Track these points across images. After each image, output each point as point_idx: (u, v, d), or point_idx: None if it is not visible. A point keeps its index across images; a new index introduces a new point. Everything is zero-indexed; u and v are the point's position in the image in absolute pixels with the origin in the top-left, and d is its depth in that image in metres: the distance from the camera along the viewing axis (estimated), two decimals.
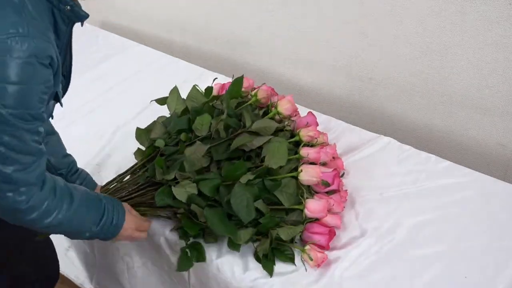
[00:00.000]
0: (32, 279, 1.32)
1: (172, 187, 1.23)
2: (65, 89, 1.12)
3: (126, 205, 1.21)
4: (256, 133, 1.33)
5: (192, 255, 1.25)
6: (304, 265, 1.22)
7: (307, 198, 1.26)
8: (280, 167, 1.26)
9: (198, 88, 1.46)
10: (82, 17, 1.01)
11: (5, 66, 0.84)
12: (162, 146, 1.31)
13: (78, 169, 1.32)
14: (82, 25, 1.04)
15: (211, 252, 1.27)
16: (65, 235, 1.15)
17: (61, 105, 1.06)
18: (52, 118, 1.11)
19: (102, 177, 1.45)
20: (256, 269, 1.23)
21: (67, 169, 1.29)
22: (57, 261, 1.42)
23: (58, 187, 1.01)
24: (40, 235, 1.27)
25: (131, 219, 1.18)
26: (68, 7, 0.96)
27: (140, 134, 1.40)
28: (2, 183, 0.92)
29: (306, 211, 1.24)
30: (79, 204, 1.05)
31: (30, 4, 0.89)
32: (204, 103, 1.41)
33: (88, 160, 1.55)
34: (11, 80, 0.85)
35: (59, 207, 1.01)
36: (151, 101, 1.49)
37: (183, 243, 1.29)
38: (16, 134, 0.89)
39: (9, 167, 0.91)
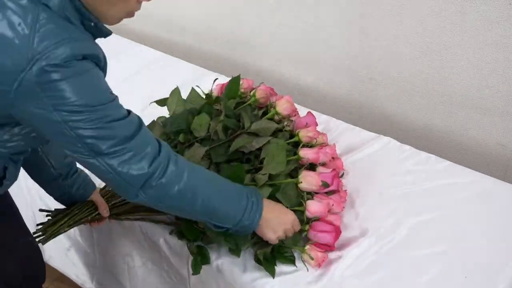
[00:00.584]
0: (19, 280, 1.32)
1: None
2: None
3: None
4: (255, 134, 1.33)
5: (197, 260, 1.25)
6: (305, 265, 1.22)
7: (307, 199, 1.26)
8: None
9: (197, 90, 1.46)
10: (105, 34, 1.05)
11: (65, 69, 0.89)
12: None
13: (77, 169, 1.32)
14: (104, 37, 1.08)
15: (211, 252, 1.27)
16: (208, 220, 1.09)
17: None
18: None
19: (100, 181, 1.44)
20: (256, 269, 1.23)
21: (67, 169, 1.29)
22: (43, 261, 1.42)
23: (179, 157, 1.03)
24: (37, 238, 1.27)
25: (285, 217, 1.16)
26: (93, 24, 0.98)
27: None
28: (117, 158, 0.95)
29: (307, 212, 1.24)
30: (213, 175, 1.06)
31: (68, 13, 0.93)
32: (203, 104, 1.41)
33: None
34: (75, 78, 0.90)
35: (187, 170, 1.01)
36: (151, 102, 1.49)
37: (182, 243, 1.29)
38: (107, 113, 0.95)
39: (118, 140, 0.95)
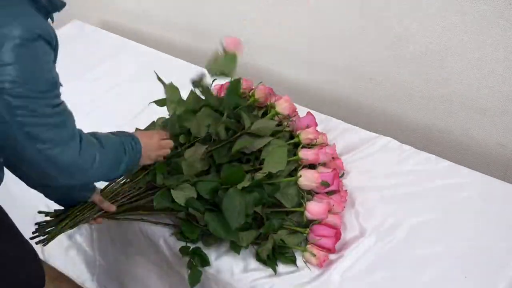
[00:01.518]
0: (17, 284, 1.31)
1: (171, 190, 1.23)
2: None
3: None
4: (255, 135, 1.33)
5: (196, 263, 1.25)
6: (306, 265, 1.22)
7: (307, 200, 1.26)
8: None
9: (196, 91, 1.46)
10: (59, 6, 1.04)
11: (7, 47, 0.88)
12: None
13: None
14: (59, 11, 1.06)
15: (210, 253, 1.27)
16: (105, 177, 1.19)
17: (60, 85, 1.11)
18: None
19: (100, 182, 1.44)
20: (255, 269, 1.23)
21: None
22: (42, 269, 1.41)
23: (86, 135, 1.08)
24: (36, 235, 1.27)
25: (148, 141, 1.22)
26: None
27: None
28: (51, 149, 0.98)
29: (306, 213, 1.24)
30: (106, 142, 1.11)
31: None
32: (202, 105, 1.40)
33: None
34: (19, 60, 0.89)
35: (96, 149, 1.07)
36: (150, 103, 1.49)
37: (182, 244, 1.29)
38: (41, 102, 0.94)
39: (50, 131, 0.97)
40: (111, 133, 1.19)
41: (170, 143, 1.28)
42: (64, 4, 1.05)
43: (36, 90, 0.93)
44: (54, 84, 0.98)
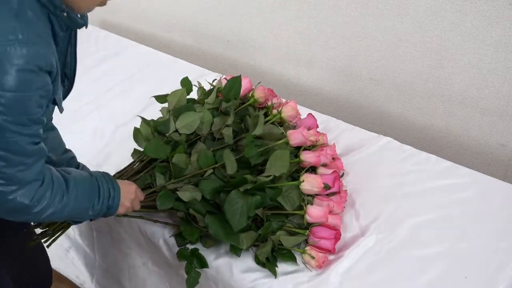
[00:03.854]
0: (27, 283, 1.32)
1: (178, 191, 1.23)
2: (68, 92, 1.13)
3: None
4: (259, 138, 1.33)
5: (195, 264, 1.25)
6: (306, 266, 1.22)
7: (308, 203, 1.26)
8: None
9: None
10: (79, 24, 1.01)
11: (3, 74, 0.84)
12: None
13: (78, 164, 1.32)
14: (83, 28, 1.04)
15: (209, 253, 1.27)
16: (70, 220, 1.17)
17: (60, 111, 1.07)
18: (51, 120, 1.11)
19: None
20: (255, 270, 1.23)
21: (67, 164, 1.28)
22: (50, 265, 1.42)
23: (54, 176, 1.02)
24: (30, 242, 1.27)
25: (128, 188, 1.19)
26: (65, 14, 0.95)
27: (137, 134, 1.39)
28: (7, 186, 0.93)
29: (307, 216, 1.24)
30: (75, 186, 1.05)
31: (29, 9, 0.89)
32: (200, 101, 1.40)
33: (88, 160, 1.55)
34: (9, 88, 0.85)
35: (58, 194, 1.02)
36: (151, 97, 1.49)
37: (182, 244, 1.29)
38: (14, 139, 0.90)
39: (12, 168, 0.92)
40: (90, 174, 1.13)
41: (143, 195, 1.25)
42: (84, 24, 1.02)
43: (16, 123, 0.89)
44: (37, 121, 0.93)
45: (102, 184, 1.12)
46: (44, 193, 0.99)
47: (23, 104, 0.88)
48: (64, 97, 1.09)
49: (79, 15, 0.99)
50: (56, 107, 1.07)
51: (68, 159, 1.29)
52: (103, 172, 1.18)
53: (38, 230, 1.30)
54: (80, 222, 1.19)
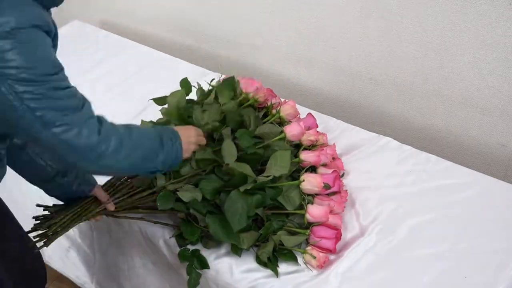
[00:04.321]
0: (19, 283, 1.31)
1: (178, 192, 1.23)
2: None
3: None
4: (258, 137, 1.33)
5: (196, 265, 1.25)
6: (307, 266, 1.22)
7: (308, 203, 1.26)
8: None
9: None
10: (56, 2, 1.02)
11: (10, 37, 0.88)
12: None
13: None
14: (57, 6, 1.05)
15: (210, 253, 1.27)
16: (144, 170, 1.12)
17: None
18: None
19: (101, 178, 1.44)
20: (256, 270, 1.23)
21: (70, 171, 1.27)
22: (44, 267, 1.42)
23: (113, 124, 1.05)
24: (33, 245, 1.26)
25: (187, 132, 1.20)
26: None
27: None
28: (66, 132, 0.95)
29: (308, 216, 1.24)
30: (136, 127, 1.08)
31: None
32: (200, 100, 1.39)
33: None
34: (21, 44, 0.89)
35: (123, 131, 1.04)
36: (150, 99, 1.49)
37: (182, 244, 1.29)
38: (53, 85, 0.93)
39: (65, 112, 0.94)
40: (147, 126, 1.15)
41: (202, 133, 1.26)
42: (61, 1, 1.03)
43: (40, 73, 0.91)
44: (58, 67, 0.96)
45: (161, 129, 1.13)
46: (108, 129, 1.01)
47: (44, 54, 0.93)
48: None
49: None
50: None
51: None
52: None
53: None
54: (152, 172, 1.14)
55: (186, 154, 1.17)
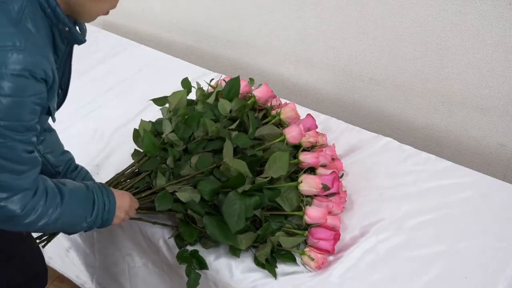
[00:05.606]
0: (19, 281, 1.31)
1: (176, 192, 1.23)
2: (61, 102, 1.13)
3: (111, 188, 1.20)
4: (258, 139, 1.33)
5: (195, 266, 1.25)
6: (305, 267, 1.22)
7: (306, 204, 1.26)
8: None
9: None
10: (79, 41, 1.02)
11: None
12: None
13: (77, 166, 1.31)
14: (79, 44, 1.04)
15: (209, 253, 1.27)
16: (63, 232, 1.16)
17: (53, 120, 1.07)
18: (54, 121, 1.11)
19: (101, 178, 1.44)
20: (255, 270, 1.23)
21: (65, 166, 1.28)
22: (45, 264, 1.42)
23: (49, 188, 1.02)
24: (28, 238, 1.26)
25: (121, 199, 1.17)
26: (67, 29, 0.97)
27: (137, 135, 1.39)
28: (5, 192, 0.93)
29: (306, 217, 1.24)
30: (69, 198, 1.04)
31: (29, 19, 0.90)
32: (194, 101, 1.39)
33: (87, 161, 1.55)
34: (4, 93, 0.86)
35: (52, 206, 1.01)
36: (149, 100, 1.49)
37: (182, 245, 1.29)
38: (8, 144, 0.90)
39: (3, 174, 0.92)
40: (86, 186, 1.12)
41: (137, 202, 1.25)
42: (84, 40, 1.03)
43: (10, 128, 0.89)
44: (31, 128, 0.92)
45: (97, 197, 1.11)
46: (37, 203, 0.98)
47: (17, 110, 0.88)
48: (57, 107, 1.09)
49: (79, 31, 1.01)
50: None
51: (66, 161, 1.29)
52: (99, 183, 1.17)
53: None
54: (74, 233, 1.18)
55: (115, 221, 1.16)
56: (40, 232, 1.22)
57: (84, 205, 1.09)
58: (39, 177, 1.01)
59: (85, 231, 1.16)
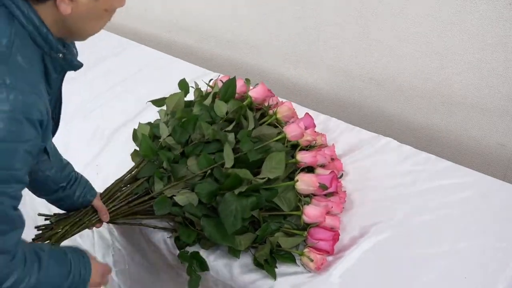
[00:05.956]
0: None
1: (175, 196, 1.23)
2: (54, 132, 1.07)
3: (89, 254, 1.12)
4: (255, 139, 1.33)
5: (196, 267, 1.25)
6: (305, 268, 1.22)
7: (304, 204, 1.26)
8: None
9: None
10: (75, 66, 0.96)
11: None
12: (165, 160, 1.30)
13: (76, 177, 1.26)
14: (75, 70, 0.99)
15: (209, 254, 1.27)
16: None
17: (50, 160, 1.01)
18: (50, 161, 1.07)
19: (101, 179, 1.44)
20: (255, 270, 1.23)
21: (67, 180, 1.24)
22: None
23: (27, 253, 0.93)
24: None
25: (96, 268, 1.12)
26: (61, 55, 0.91)
27: (137, 136, 1.39)
28: None
29: (304, 217, 1.24)
30: (48, 264, 0.97)
31: (19, 53, 0.82)
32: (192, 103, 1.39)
33: (87, 161, 1.55)
34: None
35: (30, 272, 0.92)
36: (147, 101, 1.49)
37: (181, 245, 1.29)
38: None
39: None
40: (65, 252, 1.04)
41: (110, 270, 1.21)
42: (81, 65, 0.98)
43: None
44: (19, 179, 0.83)
45: (74, 265, 1.05)
46: (15, 269, 0.88)
47: (6, 157, 0.79)
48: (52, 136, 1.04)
49: (75, 55, 0.95)
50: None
51: (67, 175, 1.24)
52: (76, 248, 1.11)
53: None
54: None
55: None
56: None
57: (61, 272, 1.01)
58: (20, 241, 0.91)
59: None
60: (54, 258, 1.00)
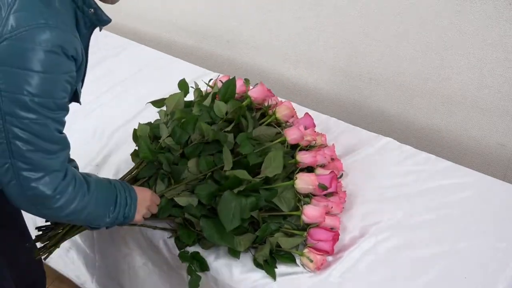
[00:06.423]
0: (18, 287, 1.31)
1: (175, 198, 1.24)
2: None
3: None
4: (254, 139, 1.33)
5: (196, 268, 1.25)
6: (304, 268, 1.22)
7: (304, 204, 1.26)
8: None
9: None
10: (104, 21, 1.02)
11: (31, 54, 0.86)
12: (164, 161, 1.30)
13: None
14: (100, 29, 1.06)
15: (209, 254, 1.27)
16: (87, 225, 1.13)
17: (79, 103, 1.10)
18: (80, 104, 1.13)
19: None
20: (255, 271, 1.22)
21: None
22: (43, 269, 1.41)
23: (76, 175, 1.02)
24: (36, 252, 1.25)
25: (143, 196, 1.18)
26: (92, 10, 0.97)
27: (137, 136, 1.39)
28: (31, 171, 0.92)
29: (303, 217, 1.24)
30: (95, 188, 1.05)
31: (58, 1, 0.91)
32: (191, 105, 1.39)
33: (87, 161, 1.55)
34: (36, 69, 0.86)
35: (80, 192, 1.01)
36: (147, 103, 1.49)
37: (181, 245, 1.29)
38: (41, 122, 0.90)
39: (38, 153, 0.91)
40: (109, 181, 1.13)
41: (158, 198, 1.25)
42: (110, 20, 1.03)
43: (43, 105, 0.89)
44: (62, 107, 0.94)
45: (120, 192, 1.11)
46: (67, 186, 0.97)
47: (50, 86, 0.89)
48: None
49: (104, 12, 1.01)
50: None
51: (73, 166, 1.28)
52: (120, 180, 1.17)
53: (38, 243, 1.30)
54: (97, 228, 1.15)
55: (137, 217, 1.16)
56: (65, 222, 1.19)
57: (108, 198, 1.09)
58: (74, 175, 1.00)
59: (107, 228, 1.15)
60: (100, 184, 1.08)
